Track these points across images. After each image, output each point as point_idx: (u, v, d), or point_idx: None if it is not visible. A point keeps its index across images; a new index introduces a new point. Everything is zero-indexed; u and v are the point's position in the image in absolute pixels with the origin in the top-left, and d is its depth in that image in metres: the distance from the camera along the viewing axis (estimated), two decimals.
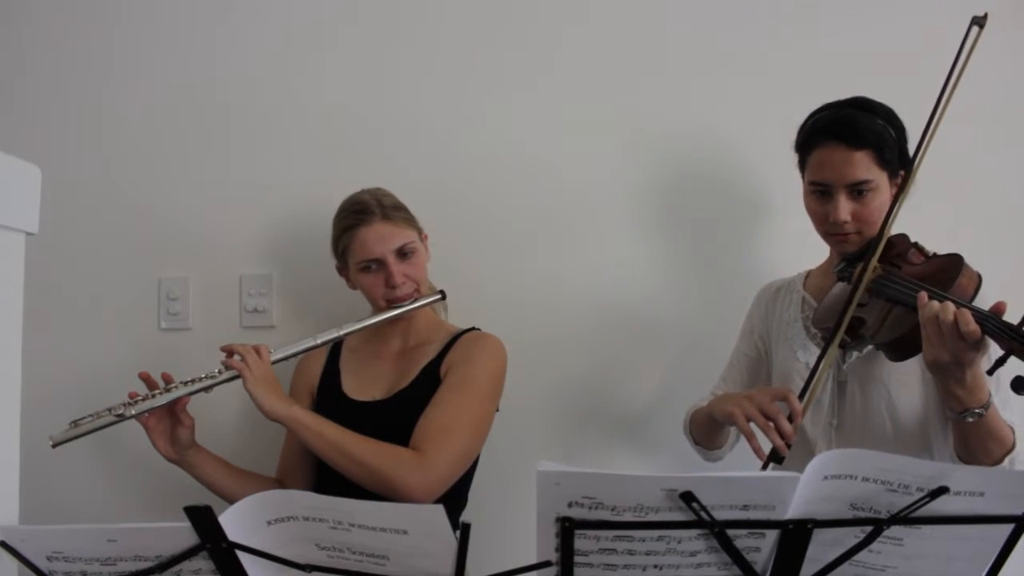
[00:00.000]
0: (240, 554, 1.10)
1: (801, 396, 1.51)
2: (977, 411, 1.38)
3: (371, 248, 1.80)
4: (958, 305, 1.35)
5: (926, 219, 1.64)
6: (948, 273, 1.46)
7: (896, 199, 1.56)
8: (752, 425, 1.49)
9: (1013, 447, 1.43)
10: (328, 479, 1.73)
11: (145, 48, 2.17)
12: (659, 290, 2.09)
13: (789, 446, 1.45)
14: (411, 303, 1.82)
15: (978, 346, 1.32)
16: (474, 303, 2.01)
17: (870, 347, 1.59)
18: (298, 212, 2.12)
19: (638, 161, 2.11)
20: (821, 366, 1.51)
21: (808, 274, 1.82)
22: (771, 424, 1.46)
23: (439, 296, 1.86)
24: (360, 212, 1.81)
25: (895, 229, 1.59)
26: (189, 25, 2.17)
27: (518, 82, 2.12)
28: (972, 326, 1.31)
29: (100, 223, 2.14)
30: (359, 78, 2.15)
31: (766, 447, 1.47)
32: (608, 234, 2.11)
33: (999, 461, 1.42)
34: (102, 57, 2.17)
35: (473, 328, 1.87)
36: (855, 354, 1.62)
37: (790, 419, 1.46)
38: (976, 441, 1.42)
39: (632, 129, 2.10)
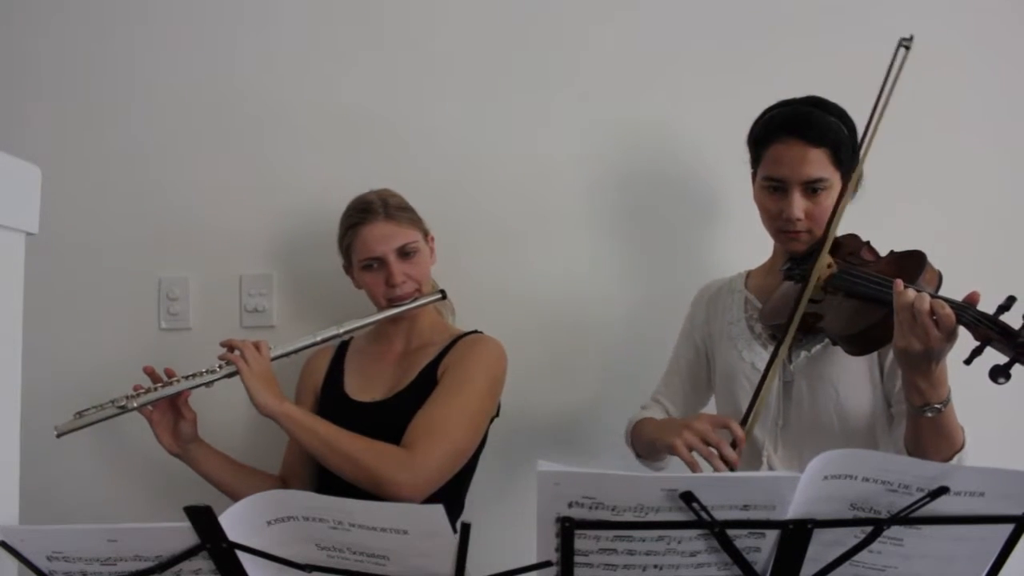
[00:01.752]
0: (240, 554, 1.10)
1: (755, 395, 1.50)
2: (937, 406, 1.38)
3: (372, 246, 1.80)
4: (931, 296, 1.34)
5: (889, 220, 1.63)
6: (911, 269, 1.45)
7: (841, 198, 1.54)
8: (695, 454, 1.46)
9: (962, 446, 1.43)
10: (330, 480, 1.72)
11: (145, 48, 2.17)
12: (663, 291, 2.08)
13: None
14: (411, 302, 1.82)
15: (951, 336, 1.32)
16: (477, 305, 2.01)
17: (822, 344, 1.58)
18: (299, 212, 2.11)
19: (640, 161, 2.10)
20: (772, 364, 1.50)
21: (749, 274, 1.81)
22: (714, 452, 1.44)
23: (439, 296, 1.86)
24: (364, 211, 1.82)
25: (843, 229, 1.58)
26: (189, 26, 2.17)
27: (520, 87, 2.12)
28: (947, 310, 1.30)
29: (100, 223, 2.14)
30: (360, 81, 2.14)
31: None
32: (614, 233, 2.11)
33: (948, 459, 1.41)
34: (103, 57, 2.17)
35: (475, 331, 1.87)
36: (803, 353, 1.61)
37: (733, 445, 1.44)
38: (929, 437, 1.41)
39: (636, 131, 2.10)
